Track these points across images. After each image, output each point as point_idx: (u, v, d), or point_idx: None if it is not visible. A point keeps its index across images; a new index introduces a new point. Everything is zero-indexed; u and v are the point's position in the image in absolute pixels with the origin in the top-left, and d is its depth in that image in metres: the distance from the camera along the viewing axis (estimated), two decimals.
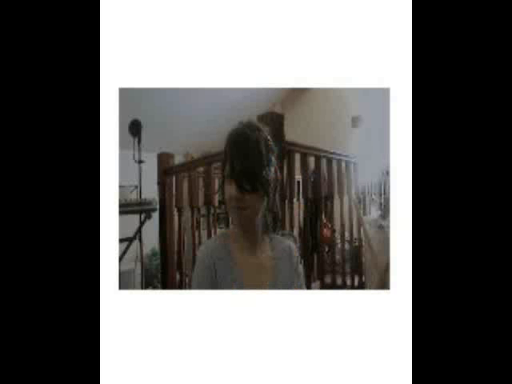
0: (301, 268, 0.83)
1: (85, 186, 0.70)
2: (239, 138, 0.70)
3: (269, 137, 0.72)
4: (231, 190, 0.69)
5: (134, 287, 2.78)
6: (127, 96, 1.96)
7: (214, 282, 0.71)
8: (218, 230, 2.46)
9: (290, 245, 0.82)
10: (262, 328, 0.75)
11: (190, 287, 0.79)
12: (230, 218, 0.82)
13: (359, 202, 2.28)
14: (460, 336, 0.69)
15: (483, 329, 0.68)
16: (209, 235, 1.76)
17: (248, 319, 0.75)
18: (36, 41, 0.70)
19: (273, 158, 0.72)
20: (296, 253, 0.83)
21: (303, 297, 0.79)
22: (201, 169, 1.85)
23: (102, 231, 0.72)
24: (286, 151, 1.59)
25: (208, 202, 1.76)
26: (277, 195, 0.78)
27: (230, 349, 0.74)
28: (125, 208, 1.84)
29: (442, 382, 0.69)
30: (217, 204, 1.93)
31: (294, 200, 1.65)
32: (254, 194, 0.69)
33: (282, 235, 0.86)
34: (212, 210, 1.90)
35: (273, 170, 0.72)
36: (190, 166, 1.90)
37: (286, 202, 1.54)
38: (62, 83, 0.70)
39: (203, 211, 1.96)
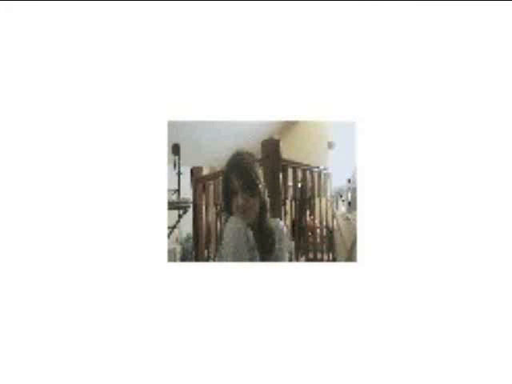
0: (287, 240, 1.05)
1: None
2: (237, 161, 0.93)
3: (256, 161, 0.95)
4: (238, 200, 0.91)
5: (175, 261, 3.45)
6: (172, 127, 2.46)
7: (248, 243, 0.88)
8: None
9: (279, 221, 1.09)
10: (250, 300, 0.93)
11: (214, 260, 1.01)
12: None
13: (333, 201, 2.80)
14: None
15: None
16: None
17: (238, 291, 0.93)
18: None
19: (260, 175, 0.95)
20: (282, 227, 1.05)
21: (289, 269, 0.97)
22: (221, 178, 2.17)
23: (156, 221, 1.00)
24: (282, 166, 1.92)
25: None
26: (265, 195, 1.01)
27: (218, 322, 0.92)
28: (169, 205, 2.46)
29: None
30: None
31: (287, 200, 2.07)
32: (252, 199, 0.91)
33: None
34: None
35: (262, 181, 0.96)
36: (213, 175, 2.41)
37: (283, 201, 1.89)
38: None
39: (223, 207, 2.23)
